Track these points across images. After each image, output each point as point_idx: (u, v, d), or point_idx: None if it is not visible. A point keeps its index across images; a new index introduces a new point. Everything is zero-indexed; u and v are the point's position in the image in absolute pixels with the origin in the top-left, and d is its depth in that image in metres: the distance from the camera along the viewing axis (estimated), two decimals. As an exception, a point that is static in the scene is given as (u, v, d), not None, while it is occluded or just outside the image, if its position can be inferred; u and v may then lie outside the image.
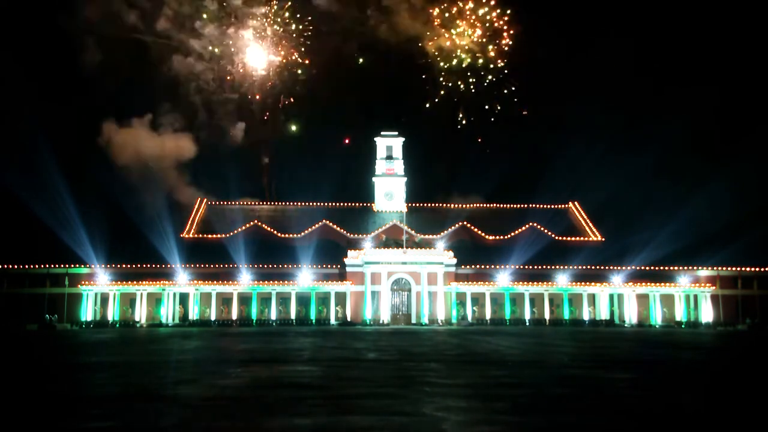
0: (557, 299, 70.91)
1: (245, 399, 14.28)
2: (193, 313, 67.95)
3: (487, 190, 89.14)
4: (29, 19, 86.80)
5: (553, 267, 70.89)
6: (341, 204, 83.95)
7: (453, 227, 76.90)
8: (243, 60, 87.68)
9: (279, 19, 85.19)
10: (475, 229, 77.63)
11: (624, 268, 70.06)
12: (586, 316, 69.74)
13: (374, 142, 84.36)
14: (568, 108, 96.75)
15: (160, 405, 13.55)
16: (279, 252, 71.68)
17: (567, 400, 14.28)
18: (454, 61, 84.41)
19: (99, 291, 67.43)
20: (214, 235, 74.85)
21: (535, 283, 69.70)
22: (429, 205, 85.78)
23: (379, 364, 22.17)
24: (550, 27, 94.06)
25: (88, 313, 66.69)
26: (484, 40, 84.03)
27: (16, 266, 67.95)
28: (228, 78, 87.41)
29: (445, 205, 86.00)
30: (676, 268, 71.36)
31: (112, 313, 67.23)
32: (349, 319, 68.15)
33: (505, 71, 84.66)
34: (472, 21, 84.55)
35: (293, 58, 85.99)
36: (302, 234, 75.17)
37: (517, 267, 70.31)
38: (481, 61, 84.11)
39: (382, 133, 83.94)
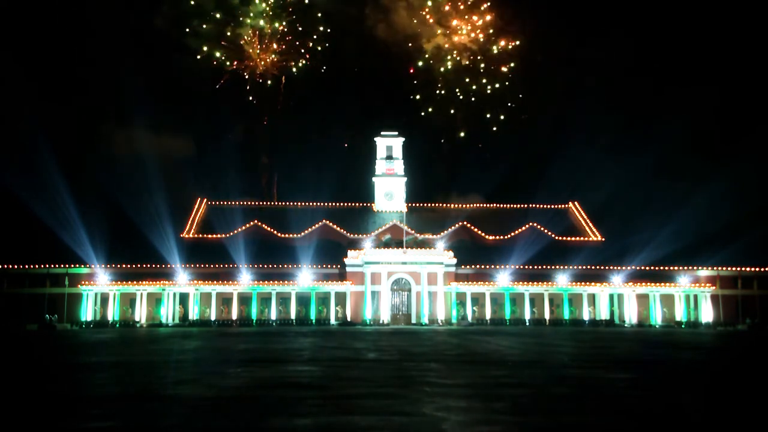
0: (557, 299, 70.90)
1: (245, 399, 14.28)
2: (193, 313, 67.94)
3: (487, 190, 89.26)
4: (29, 19, 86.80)
5: (553, 267, 70.88)
6: (341, 204, 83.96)
7: (453, 227, 76.89)
8: (242, 58, 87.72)
9: (277, 17, 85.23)
10: (475, 229, 77.62)
11: (624, 268, 70.05)
12: (586, 316, 69.73)
13: (374, 142, 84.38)
14: (568, 108, 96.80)
15: (160, 405, 13.56)
16: (279, 252, 71.69)
17: (567, 400, 14.29)
18: (449, 64, 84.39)
19: (99, 291, 67.42)
20: (214, 235, 74.85)
21: (535, 283, 69.69)
22: (429, 205, 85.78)
23: (379, 364, 22.16)
24: (549, 27, 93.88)
25: (88, 313, 66.68)
26: (482, 38, 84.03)
27: (16, 266, 67.92)
28: (227, 75, 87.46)
29: (445, 205, 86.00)
30: (676, 268, 71.35)
31: (112, 313, 67.21)
32: (349, 319, 68.14)
33: (508, 75, 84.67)
34: (467, 19, 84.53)
35: (292, 55, 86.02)
36: (302, 234, 75.18)
37: (517, 267, 70.30)
38: (482, 65, 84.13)
39: (382, 133, 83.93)
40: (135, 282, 67.14)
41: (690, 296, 70.34)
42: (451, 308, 69.87)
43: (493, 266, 70.59)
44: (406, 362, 22.81)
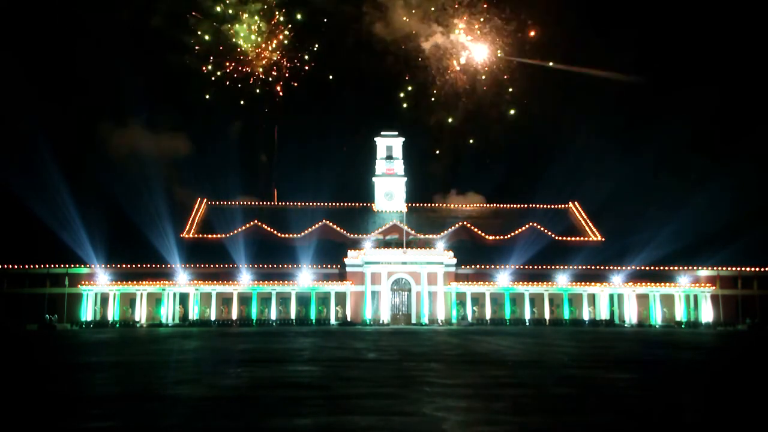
0: (557, 299, 70.91)
1: (245, 399, 14.28)
2: (193, 313, 67.95)
3: (487, 190, 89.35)
4: (29, 19, 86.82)
5: (553, 267, 70.90)
6: (341, 204, 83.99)
7: (453, 227, 76.92)
8: (241, 56, 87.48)
9: (275, 15, 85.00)
10: (475, 229, 77.65)
11: (624, 268, 70.07)
12: (586, 316, 69.74)
13: (374, 142, 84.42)
14: (568, 108, 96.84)
15: (160, 405, 13.56)
16: (279, 252, 71.70)
17: (567, 400, 14.28)
18: (450, 62, 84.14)
19: (99, 291, 67.44)
20: (214, 235, 74.87)
21: (535, 283, 69.71)
22: (429, 205, 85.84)
23: (379, 364, 22.16)
24: (550, 27, 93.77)
25: (88, 313, 66.69)
26: (481, 34, 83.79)
27: (16, 266, 67.94)
28: (225, 73, 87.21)
29: (445, 205, 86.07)
30: (676, 268, 71.36)
31: (112, 313, 67.22)
32: (349, 319, 68.15)
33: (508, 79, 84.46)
34: (465, 19, 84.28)
35: (289, 54, 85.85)
36: (302, 234, 75.20)
37: (517, 267, 70.33)
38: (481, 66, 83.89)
39: (382, 133, 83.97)
40: (135, 282, 67.16)
41: (690, 296, 70.35)
42: (451, 308, 69.89)
43: (493, 266, 70.62)
44: (406, 362, 22.81)
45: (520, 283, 69.66)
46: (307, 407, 12.89)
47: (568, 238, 78.01)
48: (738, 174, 78.35)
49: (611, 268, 70.51)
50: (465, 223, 78.02)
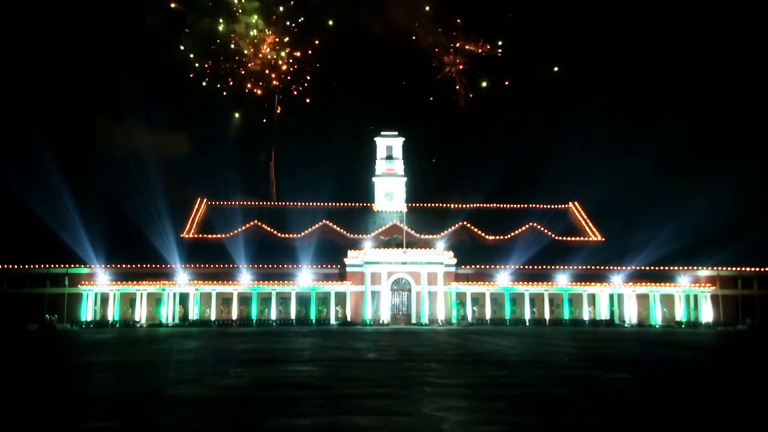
0: (557, 299, 70.92)
1: (245, 399, 14.27)
2: (193, 313, 67.96)
3: (487, 190, 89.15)
4: (29, 19, 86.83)
5: (553, 267, 70.91)
6: (341, 204, 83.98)
7: (453, 227, 76.93)
8: (239, 53, 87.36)
9: (272, 13, 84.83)
10: (475, 229, 77.66)
11: (624, 268, 70.08)
12: (586, 316, 69.75)
13: (374, 142, 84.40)
14: (568, 108, 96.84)
15: (160, 405, 13.56)
16: (279, 252, 71.71)
17: (567, 400, 14.28)
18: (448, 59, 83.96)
19: (99, 291, 67.45)
20: (214, 235, 74.89)
21: (535, 283, 69.71)
22: (429, 205, 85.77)
23: (379, 364, 22.16)
24: (549, 27, 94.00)
25: (88, 313, 66.70)
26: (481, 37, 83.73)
27: (16, 266, 67.94)
28: (223, 72, 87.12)
29: (445, 205, 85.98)
30: (676, 268, 71.36)
31: (112, 313, 67.23)
32: (349, 319, 68.16)
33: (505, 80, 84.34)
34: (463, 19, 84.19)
35: (288, 52, 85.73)
36: (302, 234, 75.21)
37: (517, 267, 70.33)
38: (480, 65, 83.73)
39: (382, 133, 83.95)
40: (135, 282, 67.16)
41: (690, 296, 70.35)
42: (451, 308, 69.90)
43: (493, 266, 70.62)
44: (406, 362, 22.81)
45: (520, 283, 69.67)
46: (307, 407, 12.89)
47: (568, 238, 78.02)
48: (738, 174, 78.45)
49: (611, 268, 70.51)
50: (465, 223, 78.03)
